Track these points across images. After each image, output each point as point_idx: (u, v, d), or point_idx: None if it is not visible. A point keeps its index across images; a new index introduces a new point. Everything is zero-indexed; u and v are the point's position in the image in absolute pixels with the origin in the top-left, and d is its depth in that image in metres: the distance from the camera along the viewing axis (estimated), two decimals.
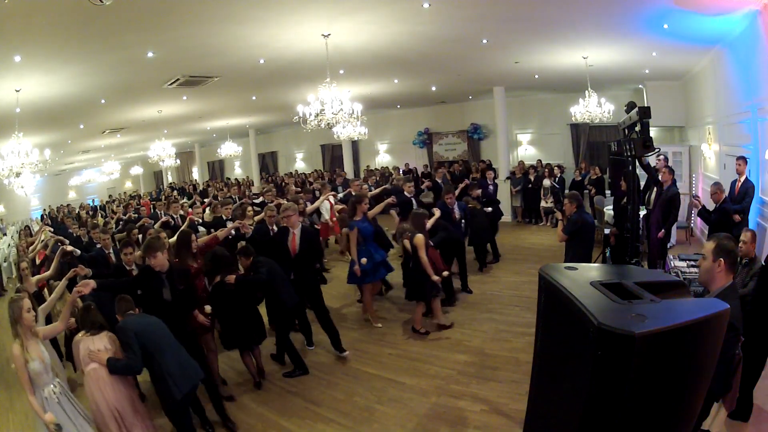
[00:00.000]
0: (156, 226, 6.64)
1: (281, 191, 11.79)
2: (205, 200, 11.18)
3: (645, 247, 6.34)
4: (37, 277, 4.67)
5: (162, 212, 8.29)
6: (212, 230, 6.09)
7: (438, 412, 3.75)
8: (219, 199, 9.23)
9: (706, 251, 2.38)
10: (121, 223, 8.79)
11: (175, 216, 7.65)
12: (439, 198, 6.73)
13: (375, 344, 5.12)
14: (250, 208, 6.49)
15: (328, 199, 8.06)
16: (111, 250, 5.47)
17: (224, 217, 6.76)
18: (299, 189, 10.16)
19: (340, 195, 8.28)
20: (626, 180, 5.33)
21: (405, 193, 6.93)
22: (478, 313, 5.69)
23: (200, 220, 6.86)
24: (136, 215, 9.00)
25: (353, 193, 7.16)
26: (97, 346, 2.95)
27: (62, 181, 20.66)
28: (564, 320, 1.61)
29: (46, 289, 5.03)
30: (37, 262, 6.53)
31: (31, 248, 6.84)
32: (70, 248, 5.17)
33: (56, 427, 2.67)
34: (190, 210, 8.24)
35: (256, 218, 6.10)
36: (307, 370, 4.56)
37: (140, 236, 5.94)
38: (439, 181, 9.37)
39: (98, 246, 5.68)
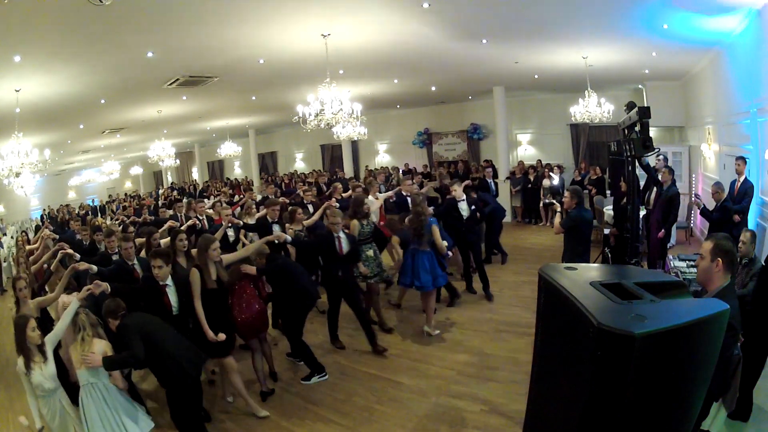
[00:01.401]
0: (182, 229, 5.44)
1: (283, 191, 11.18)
2: (242, 196, 10.05)
3: (645, 247, 6.34)
4: (38, 300, 3.89)
5: (182, 214, 7.29)
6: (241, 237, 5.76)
7: (438, 412, 3.75)
8: (249, 199, 8.11)
9: (703, 251, 2.38)
10: (134, 226, 7.17)
11: (200, 217, 6.83)
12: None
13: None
14: (300, 210, 5.91)
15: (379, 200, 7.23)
16: (135, 261, 4.55)
17: (270, 220, 5.77)
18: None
19: (390, 193, 7.27)
20: (626, 180, 5.34)
21: (449, 196, 6.58)
22: (478, 313, 5.69)
23: (240, 223, 6.00)
24: (153, 217, 7.72)
25: (404, 193, 6.79)
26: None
27: (62, 181, 20.65)
28: (564, 320, 1.61)
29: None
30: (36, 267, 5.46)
31: (31, 258, 5.78)
32: (84, 266, 4.12)
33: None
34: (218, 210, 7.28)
35: (306, 222, 5.83)
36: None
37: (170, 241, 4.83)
38: (490, 181, 8.68)
39: (116, 257, 4.82)
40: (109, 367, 3.05)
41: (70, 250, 4.89)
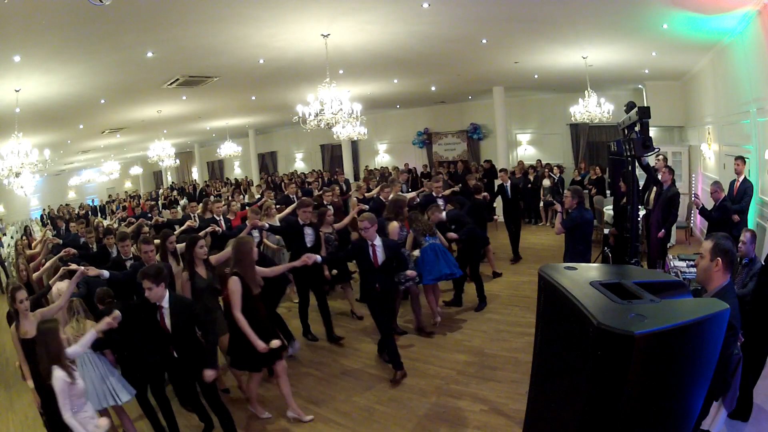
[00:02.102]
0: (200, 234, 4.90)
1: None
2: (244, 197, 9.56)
3: (645, 247, 6.33)
4: (40, 311, 3.59)
5: (195, 215, 6.80)
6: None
7: (438, 412, 3.75)
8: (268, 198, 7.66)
9: (703, 250, 2.38)
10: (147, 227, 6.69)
11: (218, 217, 6.50)
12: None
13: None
14: (330, 212, 5.61)
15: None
16: None
17: (302, 222, 5.30)
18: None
19: (413, 193, 6.96)
20: (625, 180, 5.33)
21: (477, 197, 6.55)
22: (478, 313, 5.69)
23: (266, 225, 5.47)
24: (164, 219, 7.18)
25: (434, 194, 6.57)
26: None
27: (62, 181, 20.66)
28: (564, 320, 1.61)
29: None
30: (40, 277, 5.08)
31: (32, 264, 5.40)
32: (94, 271, 3.91)
33: None
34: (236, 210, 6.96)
35: (337, 226, 5.61)
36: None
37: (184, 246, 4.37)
38: (507, 185, 8.05)
39: (130, 260, 4.63)
40: (96, 348, 3.46)
41: (69, 251, 4.82)
